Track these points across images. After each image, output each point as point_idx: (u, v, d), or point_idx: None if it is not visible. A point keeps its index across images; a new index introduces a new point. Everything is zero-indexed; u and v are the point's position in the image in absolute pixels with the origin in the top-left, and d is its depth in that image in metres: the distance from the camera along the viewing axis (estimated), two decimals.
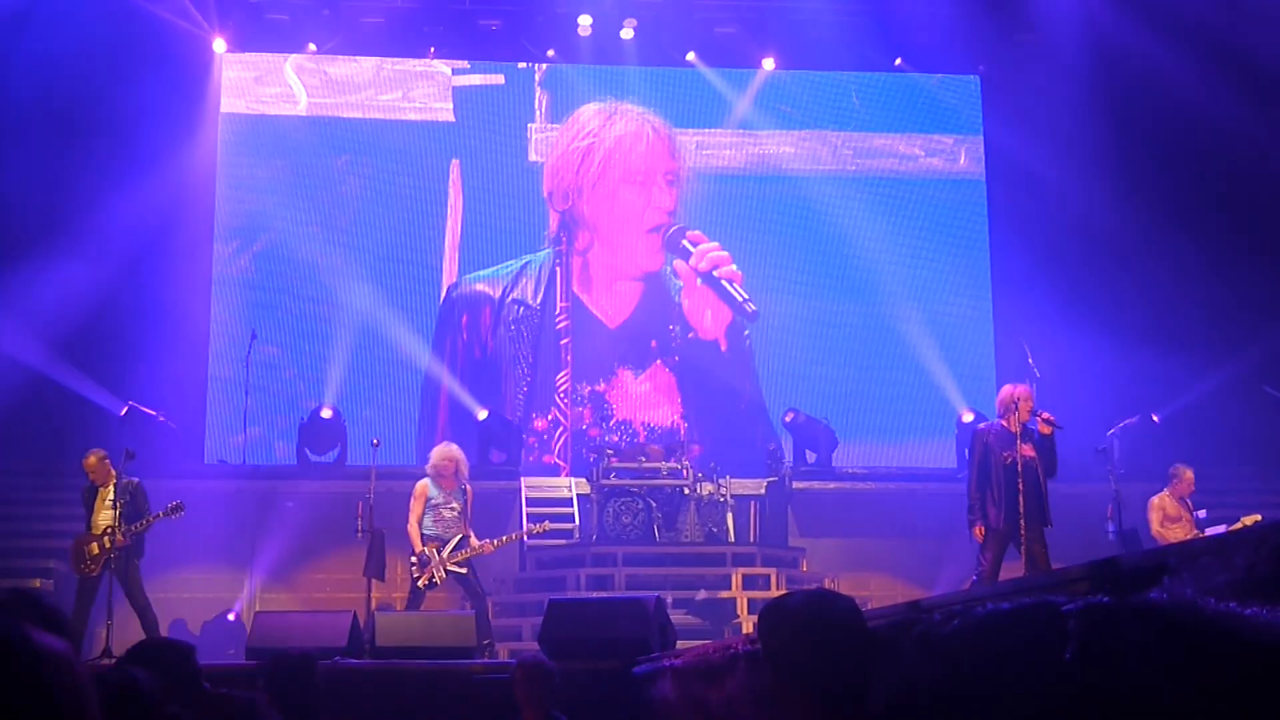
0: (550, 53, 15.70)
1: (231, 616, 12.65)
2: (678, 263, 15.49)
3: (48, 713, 1.24)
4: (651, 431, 15.02)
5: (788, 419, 14.49)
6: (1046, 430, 9.43)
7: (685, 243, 15.43)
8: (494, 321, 15.37)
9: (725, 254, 15.40)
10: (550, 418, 15.15)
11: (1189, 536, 10.85)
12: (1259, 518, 10.72)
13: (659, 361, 15.41)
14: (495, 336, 15.34)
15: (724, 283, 15.31)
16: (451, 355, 15.28)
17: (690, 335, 15.45)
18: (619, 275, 15.62)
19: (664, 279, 15.61)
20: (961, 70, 16.23)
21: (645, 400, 15.31)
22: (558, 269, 15.54)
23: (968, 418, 14.25)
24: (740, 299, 15.26)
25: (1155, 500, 11.28)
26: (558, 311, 15.36)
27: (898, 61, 15.98)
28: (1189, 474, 11.32)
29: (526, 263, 15.57)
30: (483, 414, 14.34)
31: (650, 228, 15.51)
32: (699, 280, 15.41)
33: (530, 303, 15.44)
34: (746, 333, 15.53)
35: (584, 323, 15.45)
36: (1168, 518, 11.15)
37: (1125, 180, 15.23)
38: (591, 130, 15.66)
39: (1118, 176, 15.28)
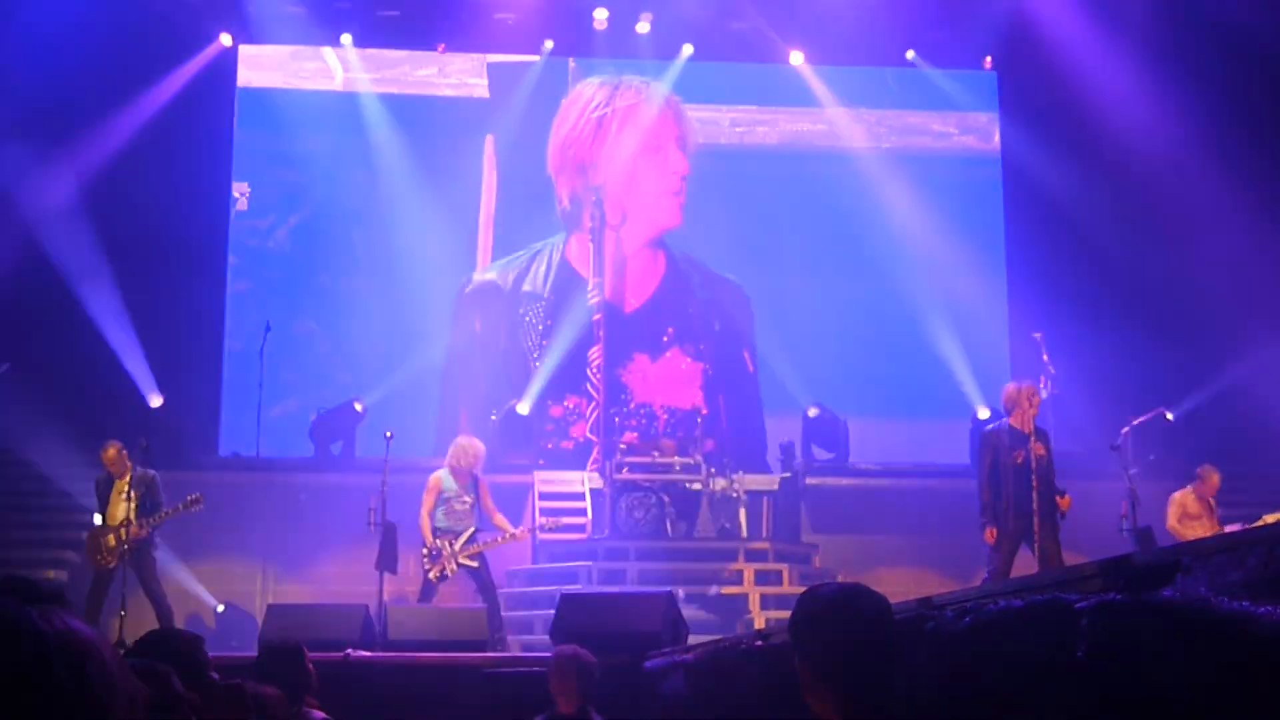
0: (548, 44, 15.67)
1: (220, 609, 12.66)
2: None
3: (52, 694, 1.24)
4: (672, 414, 15.03)
5: (812, 414, 14.46)
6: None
7: None
8: (507, 314, 15.39)
9: None
10: (569, 404, 15.12)
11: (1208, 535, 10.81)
12: None
13: (677, 348, 15.43)
14: (509, 328, 15.35)
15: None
16: (469, 350, 15.30)
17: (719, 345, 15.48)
18: (637, 249, 15.61)
19: (681, 267, 15.61)
20: (976, 64, 16.17)
21: (664, 385, 15.32)
22: (568, 256, 15.54)
23: (984, 414, 14.18)
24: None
25: (1177, 495, 11.18)
26: (590, 286, 15.32)
27: (910, 55, 15.94)
28: (1215, 476, 11.22)
29: (536, 251, 15.60)
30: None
31: (666, 192, 15.55)
32: None
33: (541, 291, 15.46)
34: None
35: (601, 302, 15.43)
36: (1187, 514, 11.08)
37: (1148, 167, 15.10)
38: (599, 102, 15.71)
39: (1141, 162, 15.15)
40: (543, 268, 15.54)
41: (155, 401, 13.78)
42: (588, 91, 15.81)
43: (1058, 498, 9.45)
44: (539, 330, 15.35)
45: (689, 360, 15.42)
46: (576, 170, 15.53)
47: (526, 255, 15.60)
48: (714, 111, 15.99)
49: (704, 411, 14.33)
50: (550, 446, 14.78)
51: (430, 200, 15.43)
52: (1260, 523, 10.45)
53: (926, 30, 15.67)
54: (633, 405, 15.15)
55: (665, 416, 14.98)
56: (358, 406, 14.13)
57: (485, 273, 15.57)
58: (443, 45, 15.60)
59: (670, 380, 15.32)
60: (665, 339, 15.44)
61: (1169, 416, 14.25)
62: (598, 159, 15.53)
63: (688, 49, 15.79)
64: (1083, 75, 15.33)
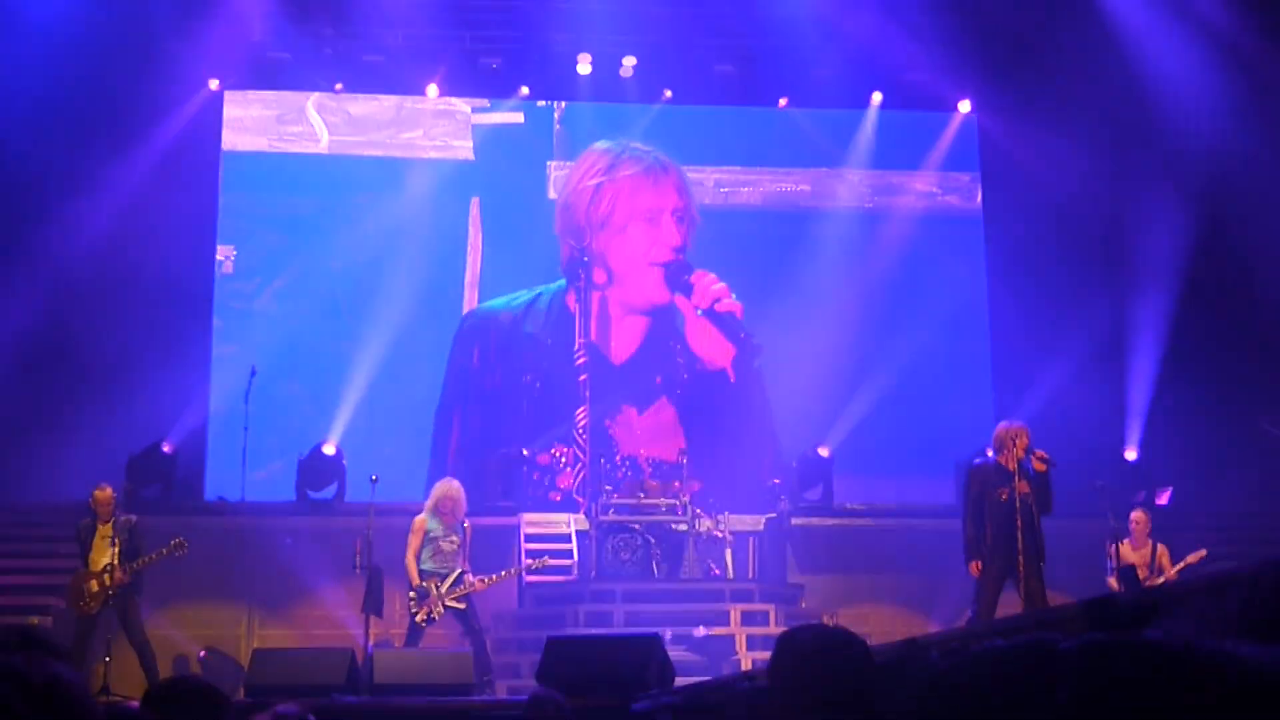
0: (524, 90, 15.74)
1: (201, 654, 12.58)
2: (679, 298, 15.55)
3: None
4: (657, 466, 15.00)
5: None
6: (1041, 468, 9.46)
7: (687, 279, 15.48)
8: (503, 353, 15.37)
9: (723, 286, 15.42)
10: (556, 453, 15.08)
11: (1147, 577, 10.89)
12: (1203, 553, 10.85)
13: (664, 398, 15.42)
14: (504, 368, 15.34)
15: (726, 316, 15.33)
16: (464, 386, 15.29)
17: (698, 367, 15.47)
18: (626, 312, 15.66)
19: (669, 314, 15.65)
20: (953, 108, 16.30)
21: (650, 436, 15.28)
22: (569, 303, 15.52)
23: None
24: (741, 334, 15.26)
25: (1118, 548, 11.24)
26: (576, 347, 15.33)
27: (876, 97, 16.02)
28: (1134, 515, 11.34)
29: (539, 294, 15.61)
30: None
31: (657, 264, 15.56)
32: (699, 312, 15.46)
33: (539, 335, 15.46)
34: (756, 363, 15.53)
35: (590, 359, 15.44)
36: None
37: (1128, 212, 15.20)
38: (600, 169, 15.73)
39: (1121, 208, 15.24)
40: (543, 310, 15.56)
41: (165, 446, 13.75)
42: (592, 156, 15.83)
43: (1034, 455, 9.45)
44: (534, 372, 15.34)
45: (673, 409, 15.43)
46: (572, 234, 15.58)
47: (528, 296, 15.60)
48: (698, 172, 16.02)
49: (684, 470, 14.24)
50: (541, 496, 14.74)
51: (416, 262, 15.42)
52: (1183, 563, 10.71)
53: (904, 72, 15.76)
54: (619, 458, 15.14)
55: (650, 470, 14.96)
56: (328, 449, 14.05)
57: (485, 309, 15.58)
58: (433, 88, 15.58)
59: (655, 432, 15.32)
60: (653, 388, 15.42)
61: (1130, 457, 14.36)
62: (593, 225, 15.58)
63: (667, 94, 15.89)
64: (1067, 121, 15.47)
